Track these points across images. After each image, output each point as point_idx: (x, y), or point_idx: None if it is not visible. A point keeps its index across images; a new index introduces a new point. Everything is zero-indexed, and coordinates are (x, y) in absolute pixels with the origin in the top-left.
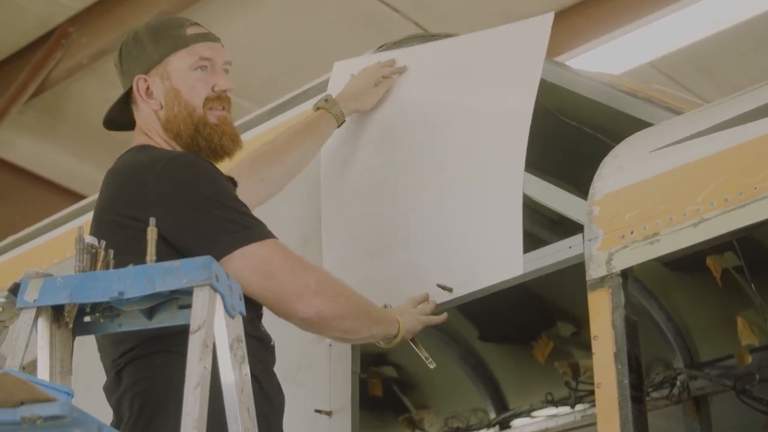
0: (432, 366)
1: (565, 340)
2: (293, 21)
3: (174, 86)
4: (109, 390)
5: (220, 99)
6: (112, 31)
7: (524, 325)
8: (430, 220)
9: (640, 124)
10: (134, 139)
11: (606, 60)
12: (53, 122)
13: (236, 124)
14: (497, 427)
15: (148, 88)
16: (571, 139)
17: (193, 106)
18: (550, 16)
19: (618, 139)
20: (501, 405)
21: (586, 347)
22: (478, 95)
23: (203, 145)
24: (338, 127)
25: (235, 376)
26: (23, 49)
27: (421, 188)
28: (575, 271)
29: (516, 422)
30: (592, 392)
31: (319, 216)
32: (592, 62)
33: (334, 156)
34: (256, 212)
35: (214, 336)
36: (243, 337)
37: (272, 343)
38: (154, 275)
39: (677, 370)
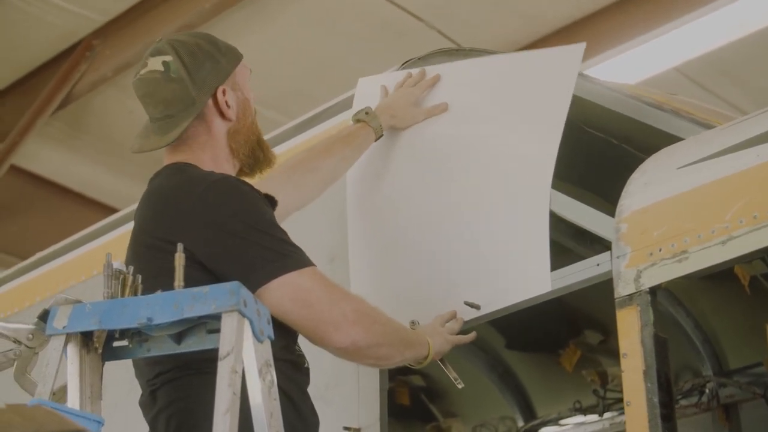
0: (460, 386)
1: (593, 348)
2: (314, 31)
3: (246, 96)
4: (145, 406)
5: (256, 113)
6: (136, 44)
7: (552, 333)
8: (457, 237)
9: (666, 137)
10: (171, 155)
11: (631, 65)
12: (78, 134)
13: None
14: None
15: (225, 100)
16: (597, 149)
17: (254, 118)
18: (581, 47)
19: (645, 150)
20: (529, 413)
21: (614, 355)
22: (508, 116)
23: (260, 157)
24: (376, 140)
25: (264, 401)
26: (48, 62)
27: (448, 205)
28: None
29: (544, 430)
30: (620, 400)
31: (345, 234)
32: (617, 68)
33: (360, 173)
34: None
35: (243, 361)
36: (272, 362)
37: (306, 365)
38: (182, 301)
39: (706, 378)
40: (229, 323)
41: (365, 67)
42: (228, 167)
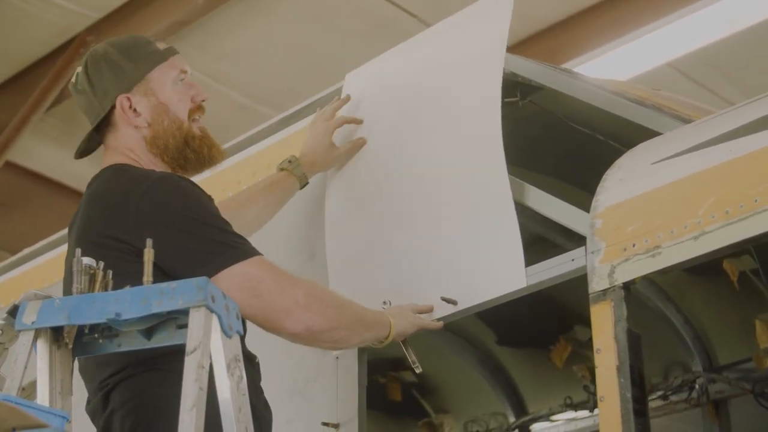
0: (418, 371)
1: (583, 343)
2: (309, 28)
3: (161, 101)
4: (94, 412)
5: (200, 109)
6: None
7: (542, 329)
8: (433, 233)
9: (649, 133)
10: (106, 159)
11: (624, 61)
12: (73, 130)
13: (250, 133)
14: (517, 431)
15: (131, 106)
16: (583, 145)
17: (181, 119)
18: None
19: (631, 145)
20: (520, 409)
21: None
22: (450, 94)
23: (192, 157)
24: (301, 188)
25: (232, 396)
26: (43, 59)
27: (423, 202)
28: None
29: (535, 426)
30: None
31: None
32: (610, 64)
33: (339, 170)
34: (263, 229)
35: (211, 356)
36: (240, 357)
37: (257, 360)
38: (150, 296)
39: (696, 374)
40: (196, 319)
41: (361, 64)
42: (159, 170)
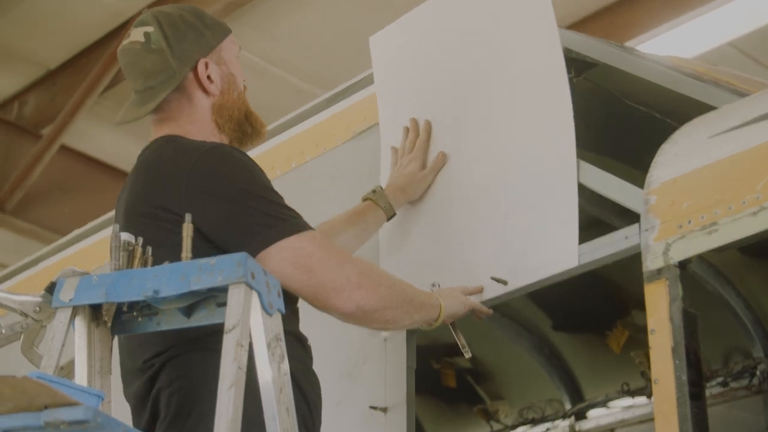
0: (468, 355)
1: (640, 328)
2: (364, 7)
3: (231, 71)
4: (138, 393)
5: (245, 89)
6: None
7: (598, 313)
8: (484, 211)
9: (706, 108)
10: (158, 130)
11: (684, 41)
12: None
13: (299, 111)
14: (573, 417)
15: (208, 73)
16: (639, 123)
17: (242, 92)
18: None
19: (684, 121)
20: (576, 395)
21: None
22: (503, 62)
23: (249, 131)
24: (388, 220)
25: (273, 376)
26: (97, 42)
27: (474, 180)
28: None
29: (592, 413)
30: None
31: None
32: (670, 44)
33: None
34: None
35: (252, 335)
36: (282, 336)
37: (308, 342)
38: (189, 273)
39: (757, 360)
40: (235, 296)
41: None
42: (215, 140)
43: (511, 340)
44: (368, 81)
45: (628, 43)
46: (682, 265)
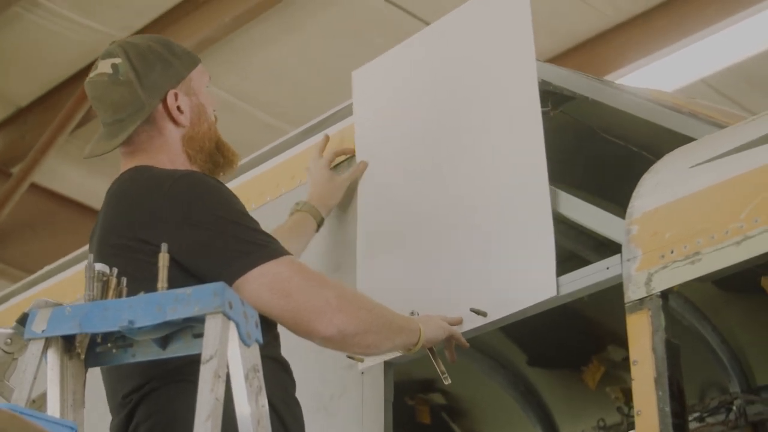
0: (447, 382)
1: (616, 364)
2: (334, 45)
3: (200, 101)
4: (119, 428)
5: (216, 119)
6: None
7: (573, 349)
8: (462, 242)
9: (685, 141)
10: (128, 159)
11: (658, 77)
12: None
13: (274, 144)
14: None
15: (177, 104)
16: (616, 157)
17: (212, 123)
18: None
19: (663, 155)
20: (552, 431)
21: None
22: (479, 94)
23: (221, 162)
24: (318, 227)
25: (251, 408)
26: (68, 79)
27: (452, 211)
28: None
29: None
30: None
31: (350, 242)
32: (644, 79)
33: (371, 179)
34: None
35: (229, 366)
36: (260, 367)
37: (290, 367)
38: (164, 303)
39: (733, 395)
40: (212, 326)
41: None
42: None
43: (485, 376)
44: (341, 115)
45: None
46: (665, 295)
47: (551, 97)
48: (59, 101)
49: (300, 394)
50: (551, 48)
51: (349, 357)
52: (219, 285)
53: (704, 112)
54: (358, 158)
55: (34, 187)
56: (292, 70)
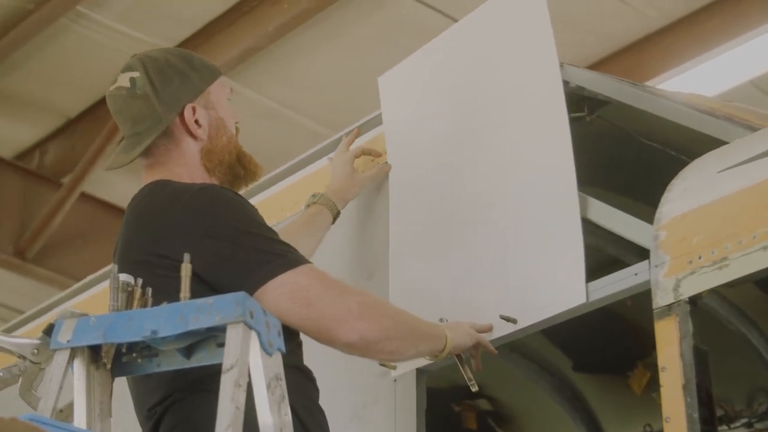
0: (474, 389)
1: None
2: (377, 50)
3: (219, 115)
4: None
5: (237, 130)
6: None
7: (619, 354)
8: (493, 249)
9: (721, 145)
10: (148, 172)
11: (705, 79)
12: None
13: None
14: None
15: (194, 116)
16: (656, 162)
17: (233, 136)
18: None
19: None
20: None
21: None
22: (505, 100)
23: (242, 174)
24: (334, 220)
25: (273, 417)
26: None
27: (481, 216)
28: None
29: None
30: None
31: (383, 249)
32: (691, 82)
33: (402, 185)
34: (322, 249)
35: (251, 375)
36: (282, 376)
37: (313, 375)
38: (187, 313)
39: None
40: (233, 335)
41: None
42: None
43: (531, 382)
44: (375, 122)
45: (650, 82)
46: (693, 300)
47: (587, 102)
48: (107, 112)
49: (333, 402)
50: (596, 52)
51: (382, 365)
52: (240, 294)
53: (740, 115)
54: (390, 162)
55: (84, 197)
56: (335, 77)
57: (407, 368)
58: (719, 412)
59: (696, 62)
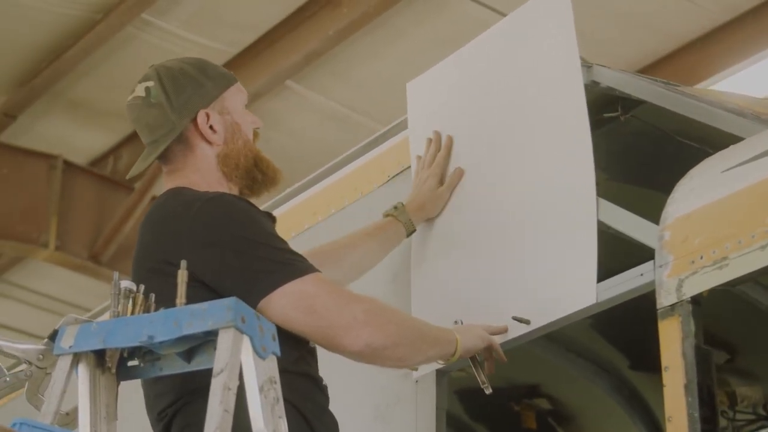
0: (488, 392)
1: (720, 367)
2: (440, 50)
3: (235, 120)
4: None
5: (257, 136)
6: (262, 75)
7: None
8: (507, 250)
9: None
10: (168, 179)
11: (759, 79)
12: None
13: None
14: None
15: (209, 122)
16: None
17: (250, 140)
18: None
19: None
20: None
21: (742, 375)
22: (528, 104)
23: (260, 178)
24: (408, 236)
25: (265, 419)
26: None
27: (499, 218)
28: (724, 295)
29: None
30: (751, 422)
31: (406, 252)
32: (751, 79)
33: None
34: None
35: (244, 378)
36: (277, 379)
37: (324, 383)
38: (181, 318)
39: None
40: (224, 340)
41: None
42: (222, 189)
43: (589, 381)
44: (401, 127)
45: (707, 81)
46: (695, 300)
47: (621, 102)
48: None
49: (356, 403)
50: (656, 50)
51: None
52: (232, 300)
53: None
54: (413, 169)
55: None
56: (398, 79)
57: (428, 369)
58: None
59: (755, 60)
